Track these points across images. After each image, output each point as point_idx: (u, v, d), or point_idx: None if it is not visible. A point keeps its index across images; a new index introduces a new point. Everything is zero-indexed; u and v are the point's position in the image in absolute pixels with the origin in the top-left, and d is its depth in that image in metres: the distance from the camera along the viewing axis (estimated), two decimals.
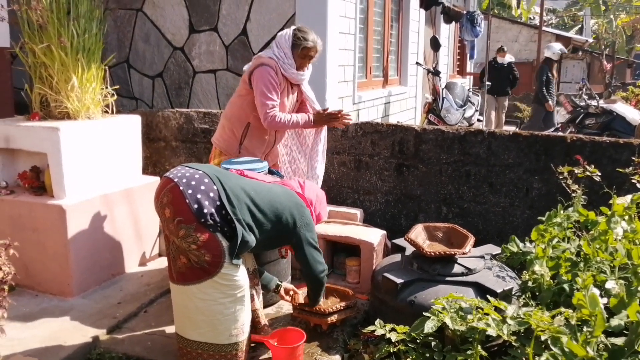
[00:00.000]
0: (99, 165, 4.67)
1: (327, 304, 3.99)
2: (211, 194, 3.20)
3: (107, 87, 4.96)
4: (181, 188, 3.19)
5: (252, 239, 3.28)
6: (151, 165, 6.20)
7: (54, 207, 4.30)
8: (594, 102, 10.34)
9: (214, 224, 3.16)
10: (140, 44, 7.61)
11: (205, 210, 3.14)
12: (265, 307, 4.26)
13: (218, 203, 3.19)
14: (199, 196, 3.16)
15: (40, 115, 4.66)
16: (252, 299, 3.66)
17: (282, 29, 6.61)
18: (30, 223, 4.40)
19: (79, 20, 4.60)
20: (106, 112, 5.00)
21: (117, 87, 5.16)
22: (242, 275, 3.31)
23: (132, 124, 5.06)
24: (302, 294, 4.03)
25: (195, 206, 3.14)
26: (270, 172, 4.17)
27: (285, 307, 4.27)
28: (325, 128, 4.75)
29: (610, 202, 3.42)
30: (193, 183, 3.21)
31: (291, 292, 4.01)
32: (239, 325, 3.36)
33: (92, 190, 4.58)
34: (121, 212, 4.76)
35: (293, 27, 4.44)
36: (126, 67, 7.76)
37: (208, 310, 3.27)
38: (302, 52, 4.36)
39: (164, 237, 3.41)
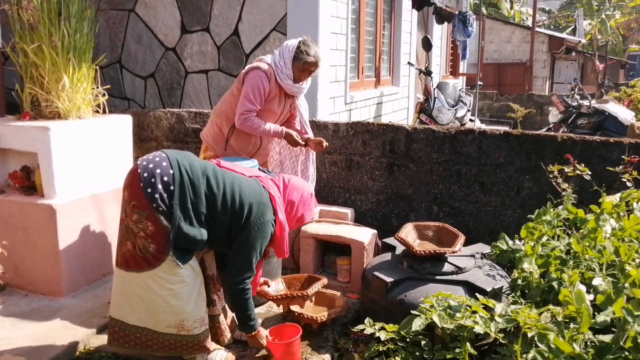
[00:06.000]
0: (89, 165, 4.65)
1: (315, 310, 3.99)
2: (165, 178, 3.17)
3: (98, 87, 4.95)
4: (139, 171, 3.18)
5: (196, 232, 3.22)
6: None
7: (45, 207, 4.29)
8: (586, 102, 10.36)
9: (166, 211, 3.13)
10: (132, 44, 7.60)
11: (157, 195, 3.12)
12: (255, 307, 4.25)
13: (172, 188, 3.17)
14: (152, 180, 3.14)
15: (31, 115, 4.65)
16: (214, 305, 3.60)
17: (273, 29, 6.63)
18: (20, 223, 4.39)
19: (70, 20, 4.59)
20: (97, 112, 4.99)
21: (108, 87, 5.15)
22: (185, 272, 3.25)
23: (123, 123, 5.05)
24: (274, 285, 4.07)
25: (149, 190, 3.13)
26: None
27: (275, 306, 4.26)
28: (313, 153, 4.86)
29: (600, 200, 3.43)
30: (151, 166, 3.20)
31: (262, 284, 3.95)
32: (177, 320, 3.29)
33: (82, 190, 4.57)
34: (112, 212, 4.74)
35: (299, 39, 4.46)
36: (118, 67, 7.75)
37: (148, 299, 3.25)
38: (302, 66, 4.39)
39: (120, 221, 3.36)
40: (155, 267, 3.18)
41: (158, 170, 3.18)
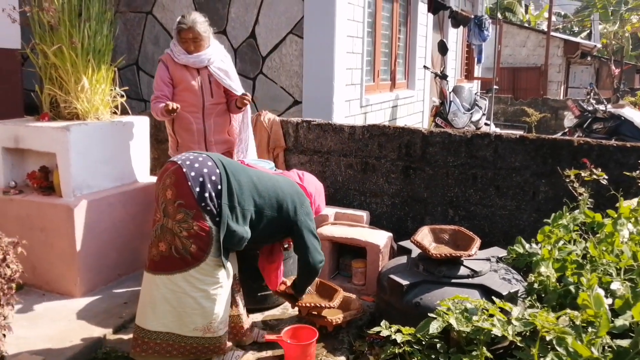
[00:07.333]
0: (107, 166, 4.69)
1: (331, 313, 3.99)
2: (213, 177, 3.21)
3: (116, 89, 4.99)
4: (184, 170, 3.19)
5: (242, 230, 3.26)
6: (159, 166, 6.21)
7: (62, 207, 4.33)
8: (601, 107, 10.30)
9: (213, 211, 3.16)
10: (149, 46, 7.64)
11: (206, 195, 3.15)
12: (270, 308, 4.30)
13: (219, 187, 3.20)
14: (201, 179, 3.17)
15: (50, 116, 4.68)
16: (237, 305, 3.64)
17: (290, 32, 6.66)
18: (38, 223, 4.42)
19: (90, 22, 4.62)
20: (115, 113, 5.02)
21: (126, 88, 5.18)
22: (222, 273, 3.28)
23: (140, 125, 5.09)
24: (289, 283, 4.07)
25: (197, 189, 3.15)
26: None
27: (289, 308, 4.27)
28: (245, 115, 4.84)
29: (617, 205, 3.43)
30: (196, 165, 3.23)
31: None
32: (205, 322, 3.28)
33: (100, 190, 4.61)
34: (129, 213, 4.78)
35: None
36: (135, 69, 7.80)
37: (177, 301, 3.22)
38: (179, 36, 4.45)
39: (152, 223, 3.38)
40: (192, 268, 3.18)
41: (205, 170, 3.22)
